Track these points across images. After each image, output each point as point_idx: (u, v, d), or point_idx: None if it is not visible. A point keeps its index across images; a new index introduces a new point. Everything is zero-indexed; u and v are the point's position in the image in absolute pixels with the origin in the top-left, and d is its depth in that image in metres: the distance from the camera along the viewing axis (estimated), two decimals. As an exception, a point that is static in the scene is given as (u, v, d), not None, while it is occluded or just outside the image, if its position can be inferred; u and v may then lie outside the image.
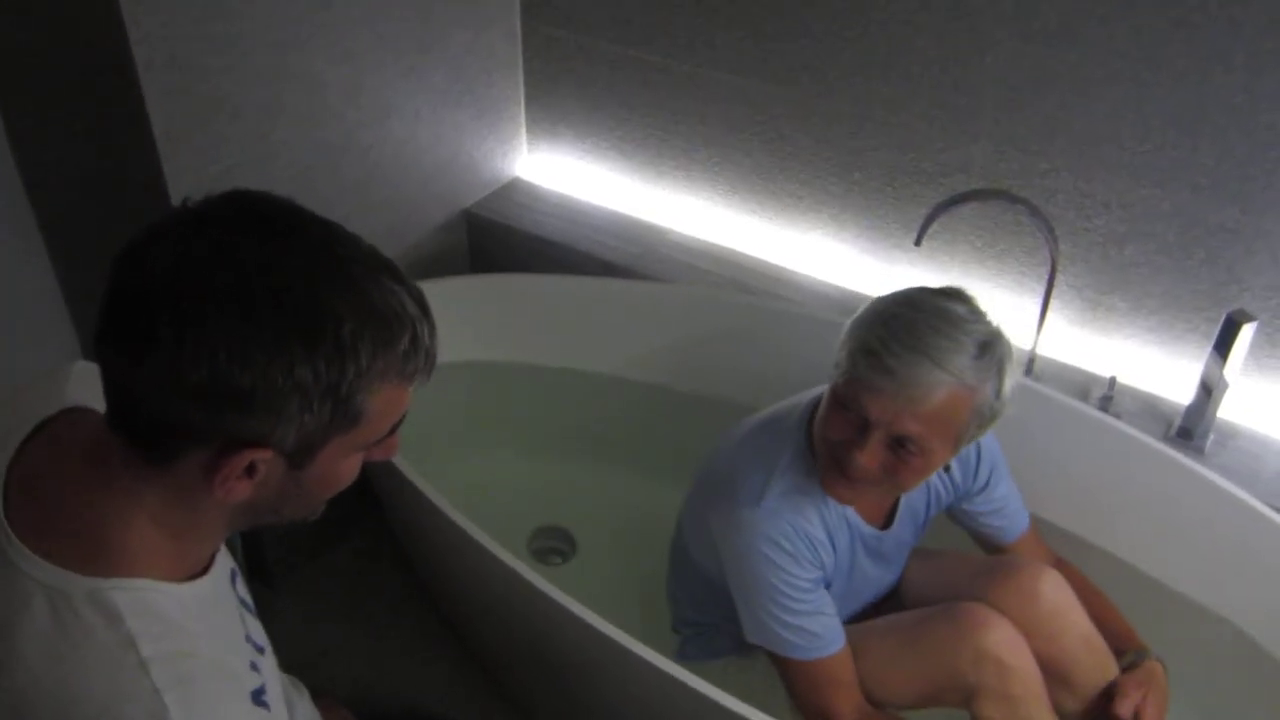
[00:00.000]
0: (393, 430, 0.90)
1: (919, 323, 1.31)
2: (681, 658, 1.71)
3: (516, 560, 1.50)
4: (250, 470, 0.83)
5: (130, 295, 0.80)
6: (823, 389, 1.52)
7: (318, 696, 1.34)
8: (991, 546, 1.67)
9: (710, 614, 1.66)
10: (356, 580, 2.26)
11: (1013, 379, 1.35)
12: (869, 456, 1.33)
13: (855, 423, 1.34)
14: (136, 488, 0.85)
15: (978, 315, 1.34)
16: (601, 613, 1.44)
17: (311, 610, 2.17)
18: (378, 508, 2.15)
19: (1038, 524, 1.69)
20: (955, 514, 1.66)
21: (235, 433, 0.81)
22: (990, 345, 1.32)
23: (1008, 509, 1.63)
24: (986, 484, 1.60)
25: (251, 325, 0.78)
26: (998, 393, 1.34)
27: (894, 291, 1.40)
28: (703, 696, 1.34)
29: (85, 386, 0.98)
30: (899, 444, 1.33)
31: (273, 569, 2.19)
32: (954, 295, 1.37)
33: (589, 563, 2.16)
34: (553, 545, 2.20)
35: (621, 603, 1.77)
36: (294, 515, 0.93)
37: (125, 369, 0.80)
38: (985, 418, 1.35)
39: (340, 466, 0.89)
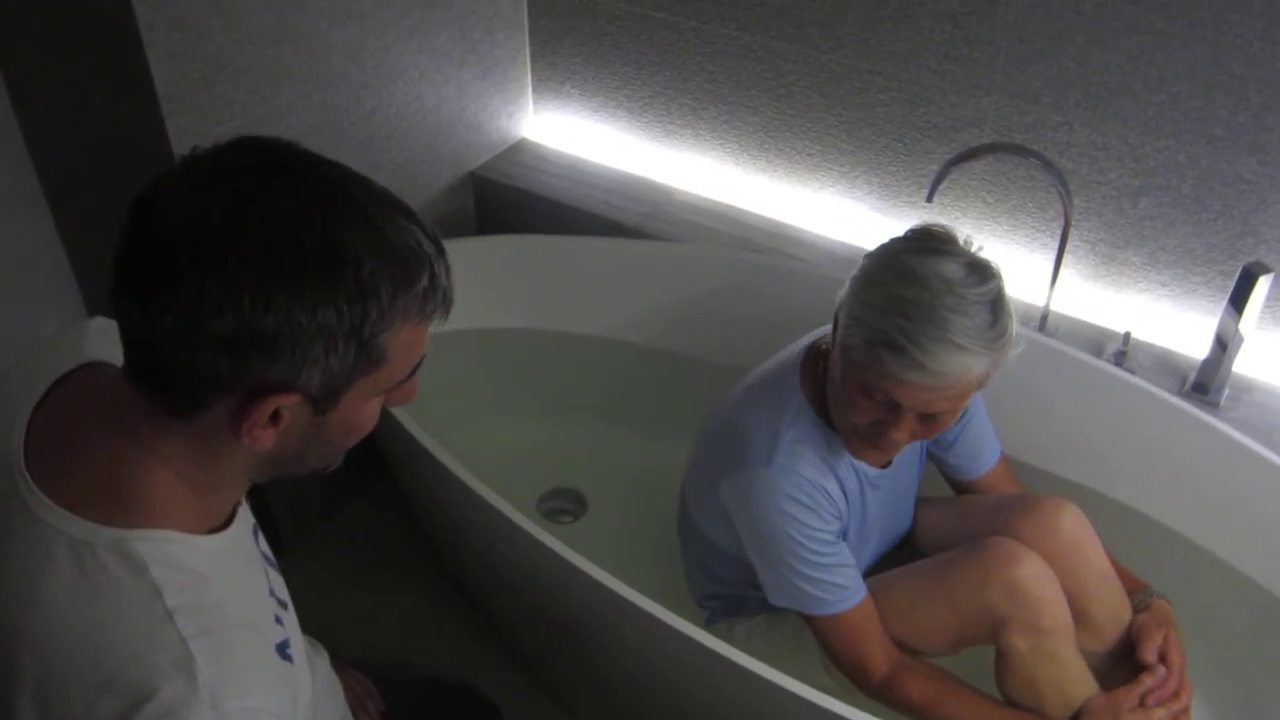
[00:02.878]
0: (413, 373, 0.91)
1: (934, 306, 1.28)
2: (709, 626, 1.70)
3: (523, 517, 1.50)
4: (275, 418, 0.83)
5: (148, 246, 0.79)
6: (810, 338, 1.53)
7: (332, 661, 1.34)
8: (964, 480, 1.67)
9: (727, 583, 1.65)
10: (366, 545, 2.26)
11: (1015, 315, 1.35)
12: (903, 434, 1.36)
13: (884, 403, 1.34)
14: (158, 440, 0.85)
15: (974, 270, 1.32)
16: (612, 570, 1.43)
17: (321, 575, 2.17)
18: (385, 473, 2.14)
19: (1052, 480, 1.67)
20: (931, 448, 1.66)
21: (260, 379, 0.81)
22: (998, 300, 1.31)
23: (982, 438, 1.64)
24: (966, 411, 1.59)
25: (273, 269, 0.77)
26: (1011, 336, 1.34)
27: (885, 260, 1.36)
28: (712, 652, 1.34)
29: (103, 342, 0.98)
30: (930, 416, 1.35)
31: (281, 534, 2.19)
32: (940, 250, 1.33)
33: (599, 522, 2.16)
34: (563, 506, 2.20)
35: (632, 560, 1.77)
36: (316, 464, 0.93)
37: (146, 321, 0.79)
38: (1002, 359, 1.35)
39: (363, 411, 0.89)
